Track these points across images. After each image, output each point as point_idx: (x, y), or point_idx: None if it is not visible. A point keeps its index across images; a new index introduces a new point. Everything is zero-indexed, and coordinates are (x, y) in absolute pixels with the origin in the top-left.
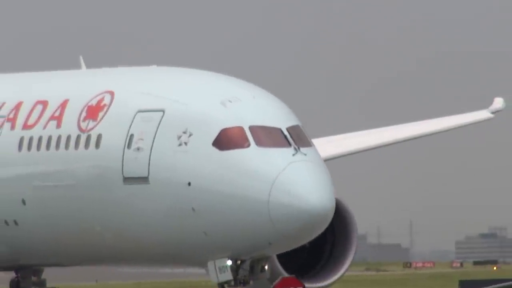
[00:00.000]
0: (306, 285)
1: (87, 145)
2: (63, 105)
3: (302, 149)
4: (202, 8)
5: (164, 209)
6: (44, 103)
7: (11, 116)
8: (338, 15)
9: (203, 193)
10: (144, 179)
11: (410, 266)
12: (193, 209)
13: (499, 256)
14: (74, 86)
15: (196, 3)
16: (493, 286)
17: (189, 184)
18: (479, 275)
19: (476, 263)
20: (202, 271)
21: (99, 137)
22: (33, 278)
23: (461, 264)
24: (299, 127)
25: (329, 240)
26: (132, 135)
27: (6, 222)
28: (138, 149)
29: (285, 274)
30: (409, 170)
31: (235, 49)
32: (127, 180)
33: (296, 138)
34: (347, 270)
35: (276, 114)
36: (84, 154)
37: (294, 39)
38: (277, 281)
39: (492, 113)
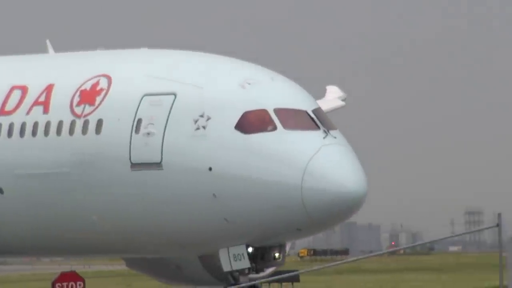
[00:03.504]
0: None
1: (84, 130)
2: (48, 89)
3: (331, 132)
4: None
5: (180, 195)
6: (23, 88)
7: None
8: None
9: (226, 179)
10: (156, 165)
11: None
12: (214, 195)
13: None
14: (58, 70)
15: None
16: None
17: (210, 169)
18: None
19: None
20: None
21: (99, 122)
22: None
23: None
24: (322, 110)
25: None
26: (140, 120)
27: None
28: (148, 134)
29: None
30: None
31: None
32: (135, 166)
33: (323, 121)
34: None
35: (299, 96)
36: (81, 140)
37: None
38: (56, 276)
39: (343, 100)
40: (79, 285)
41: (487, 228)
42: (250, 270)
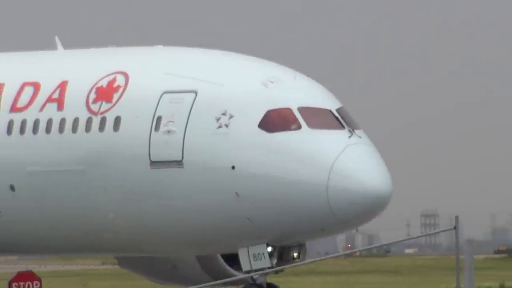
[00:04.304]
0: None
1: (101, 128)
2: (62, 86)
3: (356, 131)
4: None
5: (201, 194)
6: (35, 85)
7: None
8: None
9: (249, 177)
10: (177, 163)
11: None
12: (237, 194)
13: None
14: (72, 67)
15: None
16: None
17: (233, 167)
18: None
19: None
20: None
21: (117, 119)
22: None
23: None
24: (345, 109)
25: None
26: (159, 117)
27: None
28: (168, 131)
29: (231, 271)
30: None
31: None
32: (155, 164)
33: (347, 120)
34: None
35: (322, 95)
36: (98, 138)
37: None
38: (12, 275)
39: None
40: (36, 284)
41: (444, 231)
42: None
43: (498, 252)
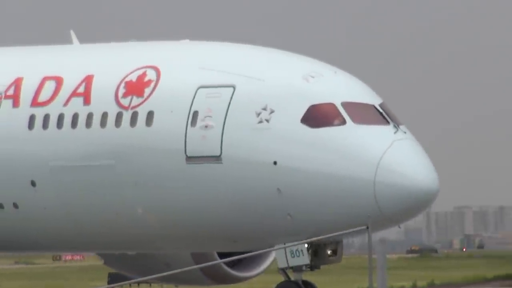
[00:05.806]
0: (236, 273)
1: (133, 122)
2: (87, 80)
3: (400, 126)
4: None
5: (240, 189)
6: (57, 79)
7: (10, 92)
8: None
9: (292, 173)
10: (215, 158)
11: (60, 259)
12: (278, 190)
13: None
14: (96, 61)
15: None
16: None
17: (275, 163)
18: None
19: None
20: None
21: (150, 114)
22: None
23: None
24: (386, 104)
25: None
26: (196, 112)
27: (1, 206)
28: (206, 126)
29: (227, 269)
30: None
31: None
32: (191, 159)
33: (391, 116)
34: (272, 261)
35: (364, 90)
36: (129, 133)
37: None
38: None
39: None
40: None
41: (357, 230)
42: (306, 267)
43: (410, 251)
